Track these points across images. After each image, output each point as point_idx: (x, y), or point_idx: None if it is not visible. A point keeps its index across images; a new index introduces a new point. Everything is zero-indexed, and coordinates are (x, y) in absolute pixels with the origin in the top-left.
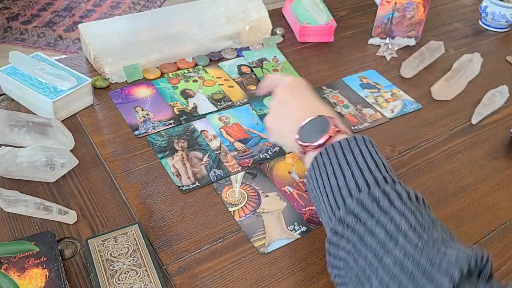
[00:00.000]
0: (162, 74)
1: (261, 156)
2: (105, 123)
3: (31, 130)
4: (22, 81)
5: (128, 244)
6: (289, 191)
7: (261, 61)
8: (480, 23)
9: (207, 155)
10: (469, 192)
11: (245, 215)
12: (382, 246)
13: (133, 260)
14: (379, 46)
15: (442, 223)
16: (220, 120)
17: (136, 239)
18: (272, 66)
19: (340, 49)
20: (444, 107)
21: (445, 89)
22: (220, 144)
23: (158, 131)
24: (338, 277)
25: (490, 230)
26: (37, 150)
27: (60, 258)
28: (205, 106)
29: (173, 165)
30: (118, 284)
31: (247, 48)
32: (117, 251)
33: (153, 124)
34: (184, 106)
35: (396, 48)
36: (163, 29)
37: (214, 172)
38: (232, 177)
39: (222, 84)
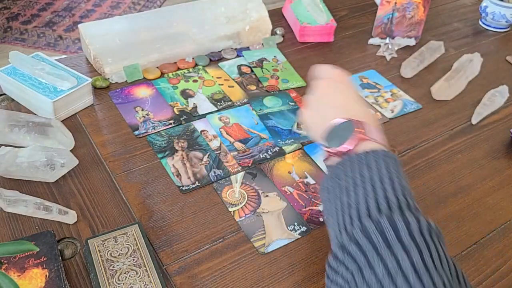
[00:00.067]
0: (162, 74)
1: (261, 156)
2: (105, 123)
3: (31, 130)
4: (22, 81)
5: (128, 244)
6: (289, 191)
7: (261, 61)
8: (480, 23)
9: (207, 155)
10: (469, 192)
11: (245, 215)
12: (380, 284)
13: (133, 260)
14: (379, 46)
15: (451, 260)
16: (220, 120)
17: (136, 239)
18: (272, 66)
19: (340, 49)
20: (444, 107)
21: (445, 89)
22: (220, 144)
23: (158, 131)
24: None
25: (490, 230)
26: (37, 150)
27: (60, 258)
28: (205, 106)
29: (173, 165)
30: (118, 284)
31: (247, 48)
32: (117, 251)
33: (153, 124)
34: (184, 106)
35: (396, 48)
36: (163, 29)
37: (214, 172)
38: (232, 177)
39: (222, 84)
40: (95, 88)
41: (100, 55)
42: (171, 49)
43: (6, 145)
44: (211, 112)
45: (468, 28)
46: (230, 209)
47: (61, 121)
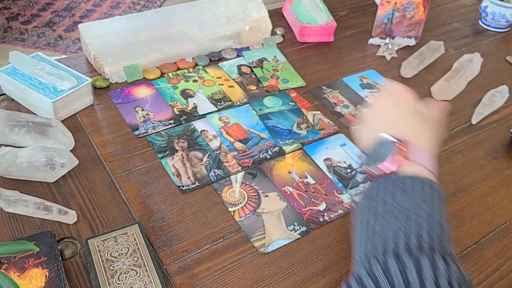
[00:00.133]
0: (162, 74)
1: (261, 156)
2: (105, 123)
3: (31, 130)
4: (22, 81)
5: (128, 244)
6: (289, 191)
7: (261, 61)
8: (480, 23)
9: (207, 155)
10: (469, 192)
11: (245, 215)
12: None
13: (133, 260)
14: (379, 46)
15: None
16: (220, 120)
17: (136, 239)
18: (272, 66)
19: (340, 49)
20: None
21: (445, 89)
22: (220, 144)
23: (158, 131)
24: None
25: (490, 230)
26: (37, 150)
27: (60, 258)
28: (205, 106)
29: (173, 165)
30: (118, 284)
31: (247, 48)
32: (117, 251)
33: (153, 124)
34: (184, 106)
35: (396, 48)
36: (163, 29)
37: (214, 172)
38: (232, 177)
39: (222, 84)
40: (95, 88)
41: (100, 55)
42: (171, 49)
43: (6, 145)
44: (211, 112)
45: (468, 28)
46: (230, 209)
47: (61, 121)
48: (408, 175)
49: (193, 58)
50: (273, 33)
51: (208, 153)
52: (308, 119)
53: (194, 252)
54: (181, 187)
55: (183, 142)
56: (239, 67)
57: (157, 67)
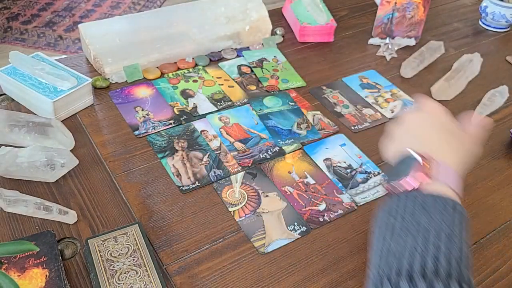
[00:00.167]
0: (162, 74)
1: (261, 156)
2: (105, 123)
3: (31, 130)
4: (22, 81)
5: (128, 244)
6: (289, 191)
7: (261, 61)
8: (480, 23)
9: (207, 155)
10: (469, 192)
11: (245, 215)
12: None
13: (133, 260)
14: (379, 46)
15: None
16: (220, 120)
17: (136, 239)
18: (272, 66)
19: (340, 49)
20: None
21: (445, 89)
22: (220, 144)
23: (158, 131)
24: None
25: (490, 230)
26: (37, 150)
27: (60, 258)
28: (205, 106)
29: (173, 165)
30: (118, 284)
31: (247, 48)
32: (117, 251)
33: (153, 124)
34: (184, 106)
35: (396, 48)
36: (163, 29)
37: (214, 172)
38: (232, 177)
39: (222, 84)
40: (95, 88)
41: (100, 55)
42: (171, 49)
43: (6, 145)
44: (211, 112)
45: (468, 28)
46: (230, 209)
47: (61, 121)
48: (430, 193)
49: (193, 58)
50: (273, 33)
51: (208, 153)
52: (308, 119)
53: (194, 252)
54: (181, 187)
55: (183, 142)
56: (239, 67)
57: (157, 67)
